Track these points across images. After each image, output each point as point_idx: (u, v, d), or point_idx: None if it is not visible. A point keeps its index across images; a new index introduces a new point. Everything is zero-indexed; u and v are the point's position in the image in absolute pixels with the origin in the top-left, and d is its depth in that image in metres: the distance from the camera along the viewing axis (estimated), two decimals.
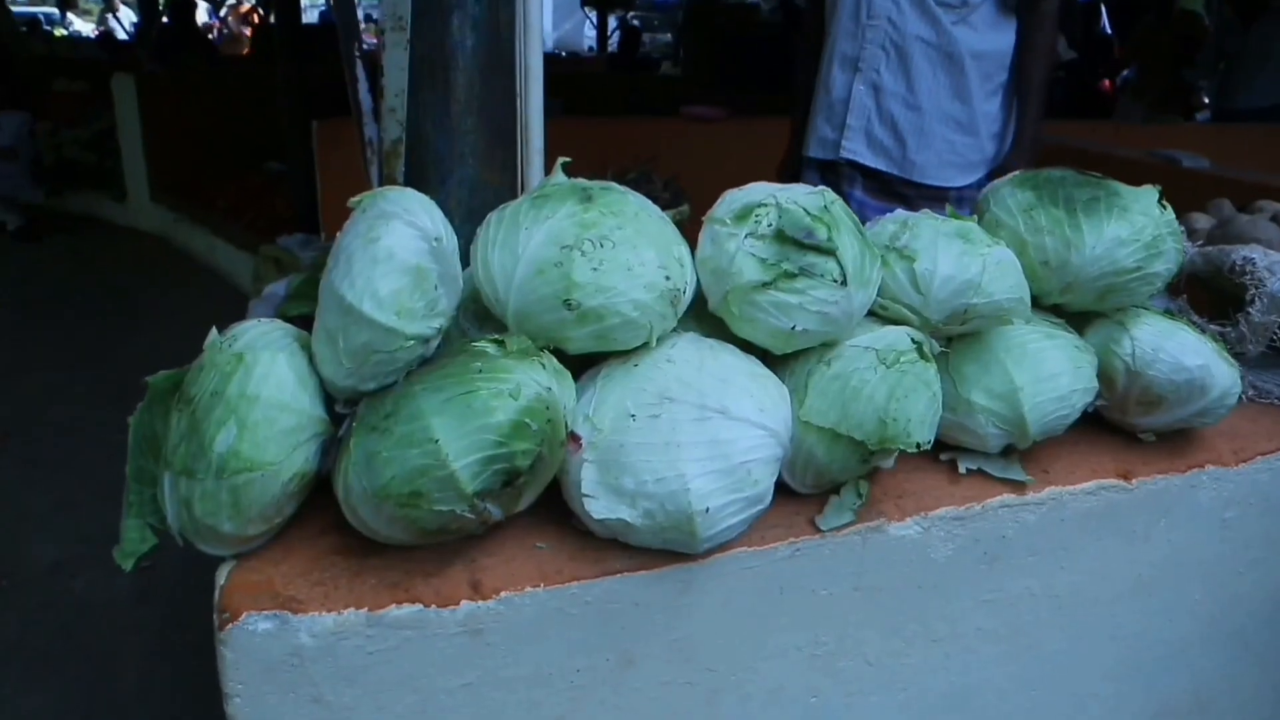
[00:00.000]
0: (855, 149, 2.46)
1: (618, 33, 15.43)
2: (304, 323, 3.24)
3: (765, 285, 1.24)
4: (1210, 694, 1.81)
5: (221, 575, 1.16)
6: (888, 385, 1.27)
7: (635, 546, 1.22)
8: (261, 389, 1.12)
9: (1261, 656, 1.81)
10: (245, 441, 1.10)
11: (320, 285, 1.19)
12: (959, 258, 1.35)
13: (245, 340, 1.17)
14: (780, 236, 1.26)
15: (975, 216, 1.53)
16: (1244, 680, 1.84)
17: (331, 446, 1.21)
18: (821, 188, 1.34)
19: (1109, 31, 11.12)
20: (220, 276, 6.11)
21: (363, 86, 1.68)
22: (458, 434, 1.07)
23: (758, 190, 1.33)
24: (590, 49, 16.25)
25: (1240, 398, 1.51)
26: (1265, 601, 1.75)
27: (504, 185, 1.52)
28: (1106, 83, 10.45)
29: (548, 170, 1.60)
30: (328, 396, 1.21)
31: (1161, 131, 6.23)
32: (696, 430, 1.17)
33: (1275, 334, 1.74)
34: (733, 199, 1.33)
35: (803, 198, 1.31)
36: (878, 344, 1.31)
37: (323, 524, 1.27)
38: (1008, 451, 1.49)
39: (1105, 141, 5.51)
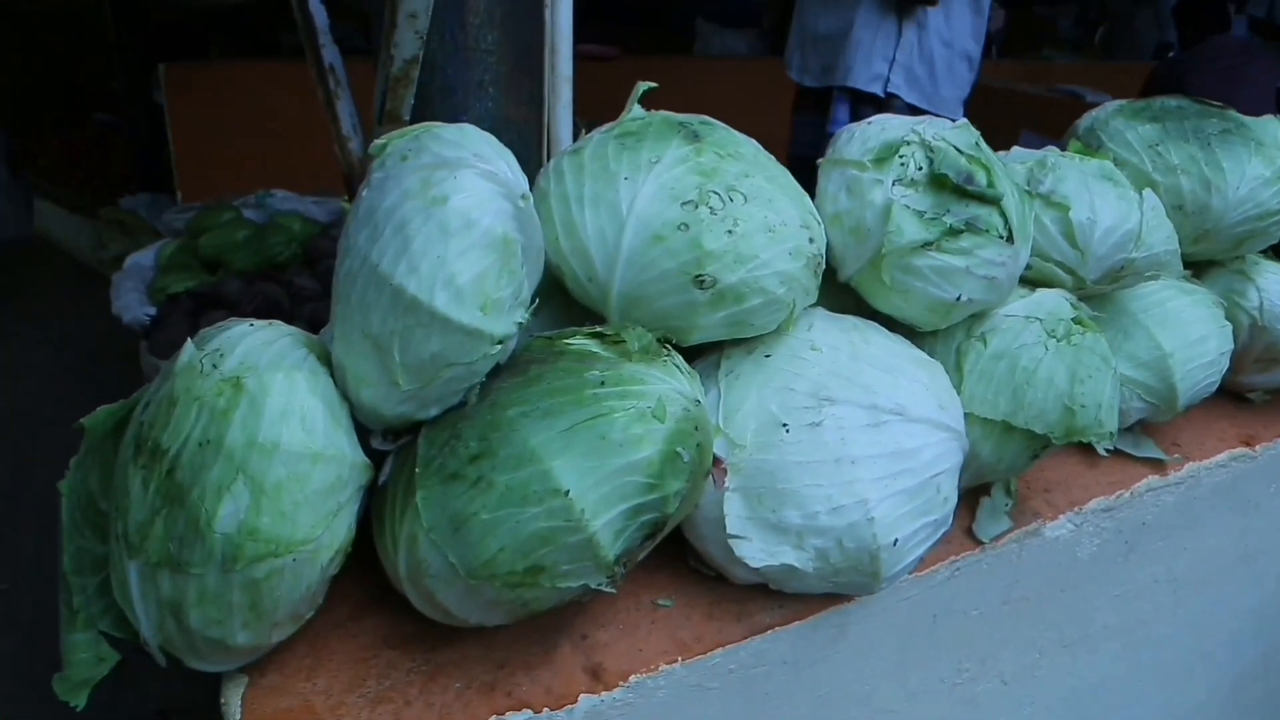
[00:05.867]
0: (898, 83, 2.44)
1: None
2: (192, 300, 2.67)
3: (927, 246, 0.97)
4: (1278, 656, 1.72)
5: (233, 704, 0.79)
6: (1066, 364, 1.03)
7: (788, 593, 0.94)
8: (280, 432, 0.75)
9: None
10: (265, 513, 0.73)
11: (342, 269, 0.82)
12: (1117, 204, 1.12)
13: (240, 355, 0.79)
14: (937, 182, 0.98)
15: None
16: None
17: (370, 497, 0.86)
18: (962, 120, 1.07)
19: None
20: (51, 244, 5.24)
21: None
22: (593, 480, 0.75)
23: (892, 124, 1.05)
24: None
25: None
26: None
27: (530, 123, 1.17)
28: None
29: (578, 105, 1.26)
30: (358, 426, 0.85)
31: (1038, 69, 6.32)
32: (872, 440, 0.89)
33: None
34: (864, 134, 1.04)
35: (948, 133, 1.03)
36: (1038, 312, 1.06)
37: (352, 599, 0.92)
38: (1133, 426, 1.30)
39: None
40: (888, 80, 2.42)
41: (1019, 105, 4.62)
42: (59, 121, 5.20)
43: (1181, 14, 4.15)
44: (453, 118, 1.11)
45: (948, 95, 2.44)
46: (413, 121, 1.10)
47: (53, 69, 5.46)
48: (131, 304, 2.60)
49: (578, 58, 1.31)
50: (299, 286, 2.28)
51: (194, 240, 2.67)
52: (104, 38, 4.60)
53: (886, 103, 2.44)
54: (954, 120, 2.30)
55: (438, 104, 1.09)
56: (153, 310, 2.33)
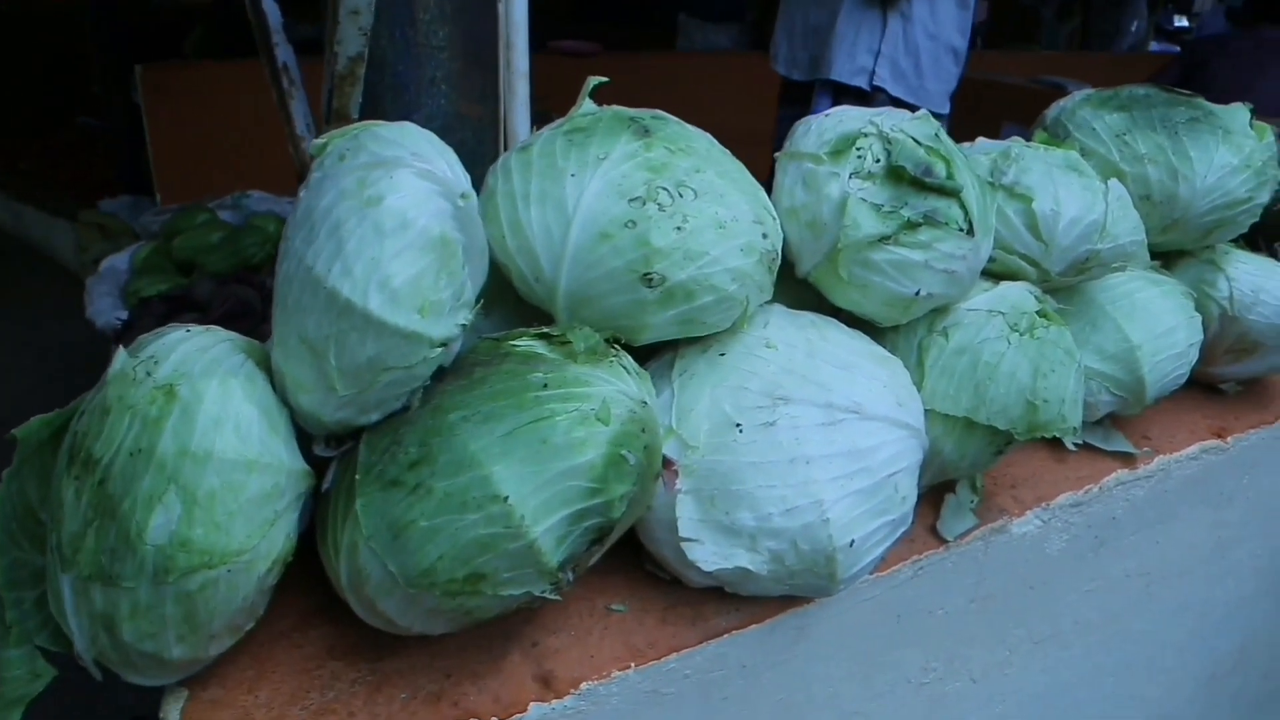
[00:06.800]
0: (883, 76, 2.41)
1: None
2: (164, 303, 2.65)
3: (884, 240, 0.95)
4: (1253, 647, 1.72)
5: (172, 717, 0.78)
6: (1029, 359, 1.01)
7: (744, 595, 0.93)
8: (213, 440, 0.73)
9: None
10: (197, 524, 0.72)
11: (280, 273, 0.80)
12: (1081, 194, 1.10)
13: (174, 363, 0.77)
14: (894, 175, 0.97)
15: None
16: (1278, 628, 1.76)
17: (311, 504, 0.84)
18: (923, 111, 1.05)
19: None
20: (33, 248, 5.21)
21: None
22: (534, 486, 0.73)
23: (850, 115, 1.03)
24: None
25: None
26: None
27: (484, 120, 1.15)
28: None
29: (535, 100, 1.24)
30: (300, 433, 0.83)
31: (1022, 60, 6.31)
32: (827, 439, 0.88)
33: None
34: (820, 127, 1.02)
35: (907, 124, 1.01)
36: (1000, 306, 1.05)
37: (298, 608, 0.90)
38: (1103, 419, 1.28)
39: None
40: (873, 73, 2.39)
41: (1002, 97, 4.60)
42: (41, 124, 5.16)
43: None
44: (404, 115, 1.09)
45: (934, 89, 2.41)
46: (364, 120, 1.08)
47: (35, 71, 5.42)
48: (105, 308, 2.57)
49: (536, 52, 1.29)
50: (271, 288, 2.26)
51: (168, 243, 2.64)
52: (85, 40, 4.56)
53: (871, 97, 2.42)
54: (939, 115, 2.24)
55: (388, 102, 1.07)
56: (125, 314, 2.30)
